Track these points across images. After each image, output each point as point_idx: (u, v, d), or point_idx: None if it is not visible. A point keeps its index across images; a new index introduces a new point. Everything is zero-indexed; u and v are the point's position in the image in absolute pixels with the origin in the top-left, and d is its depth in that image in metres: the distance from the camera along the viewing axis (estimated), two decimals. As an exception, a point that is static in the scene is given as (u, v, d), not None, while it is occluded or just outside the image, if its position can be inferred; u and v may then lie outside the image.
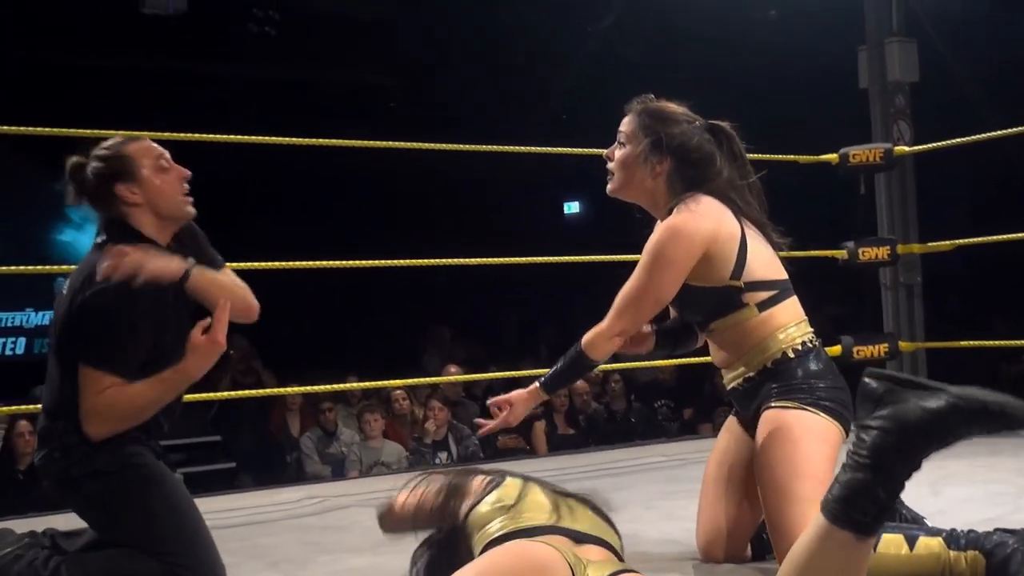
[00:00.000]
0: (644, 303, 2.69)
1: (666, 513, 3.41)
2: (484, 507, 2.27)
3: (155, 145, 2.78)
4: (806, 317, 2.73)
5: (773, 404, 2.60)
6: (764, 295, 2.66)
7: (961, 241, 5.64)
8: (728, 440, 2.83)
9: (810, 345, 2.66)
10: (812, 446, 2.52)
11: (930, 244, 5.78)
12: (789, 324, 2.67)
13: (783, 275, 2.72)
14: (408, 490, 2.44)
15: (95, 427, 2.58)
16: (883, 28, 6.18)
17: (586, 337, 2.75)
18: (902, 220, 6.00)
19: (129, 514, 2.60)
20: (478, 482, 2.38)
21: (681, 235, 2.62)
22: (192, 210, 2.78)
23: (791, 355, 2.63)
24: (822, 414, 2.56)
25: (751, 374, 2.67)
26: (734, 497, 2.75)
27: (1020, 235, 5.65)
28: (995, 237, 5.77)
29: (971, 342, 6.21)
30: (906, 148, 5.73)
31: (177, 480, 2.76)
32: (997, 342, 6.48)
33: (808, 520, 2.16)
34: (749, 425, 2.72)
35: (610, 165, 2.81)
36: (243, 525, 3.63)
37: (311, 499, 4.10)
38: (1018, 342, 6.87)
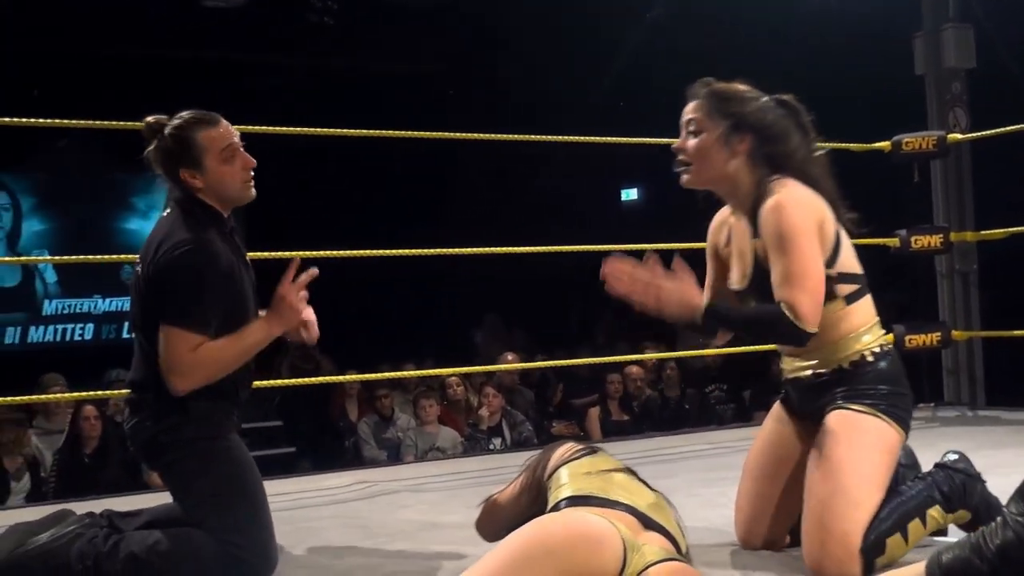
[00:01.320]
0: (808, 280, 2.51)
1: (707, 500, 3.45)
2: (567, 469, 2.33)
3: (226, 132, 2.85)
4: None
5: (843, 405, 2.59)
6: (851, 288, 2.64)
7: (1016, 229, 5.58)
8: (774, 429, 2.82)
9: (886, 349, 2.65)
10: (876, 454, 2.52)
11: (984, 232, 5.74)
12: (870, 324, 2.66)
13: (862, 269, 2.70)
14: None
15: (179, 382, 2.69)
16: (939, 14, 6.12)
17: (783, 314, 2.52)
18: (957, 208, 5.94)
19: (201, 486, 2.73)
20: (566, 448, 2.44)
21: (799, 204, 2.54)
22: (253, 193, 2.90)
23: (869, 358, 2.61)
24: (890, 421, 2.56)
25: (824, 371, 2.64)
26: (776, 485, 2.75)
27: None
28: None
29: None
30: (959, 135, 5.69)
31: (250, 461, 2.87)
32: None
33: (854, 521, 2.38)
34: (805, 417, 2.71)
35: (682, 156, 2.71)
36: (291, 509, 3.72)
37: (361, 484, 4.18)
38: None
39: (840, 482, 2.48)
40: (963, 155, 5.99)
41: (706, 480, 3.85)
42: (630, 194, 14.08)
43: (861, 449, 2.52)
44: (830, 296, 2.59)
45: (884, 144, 5.48)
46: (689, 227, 6.33)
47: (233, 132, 2.87)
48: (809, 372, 2.67)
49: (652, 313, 2.60)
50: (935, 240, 5.45)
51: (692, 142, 2.68)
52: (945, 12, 6.10)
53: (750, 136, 2.63)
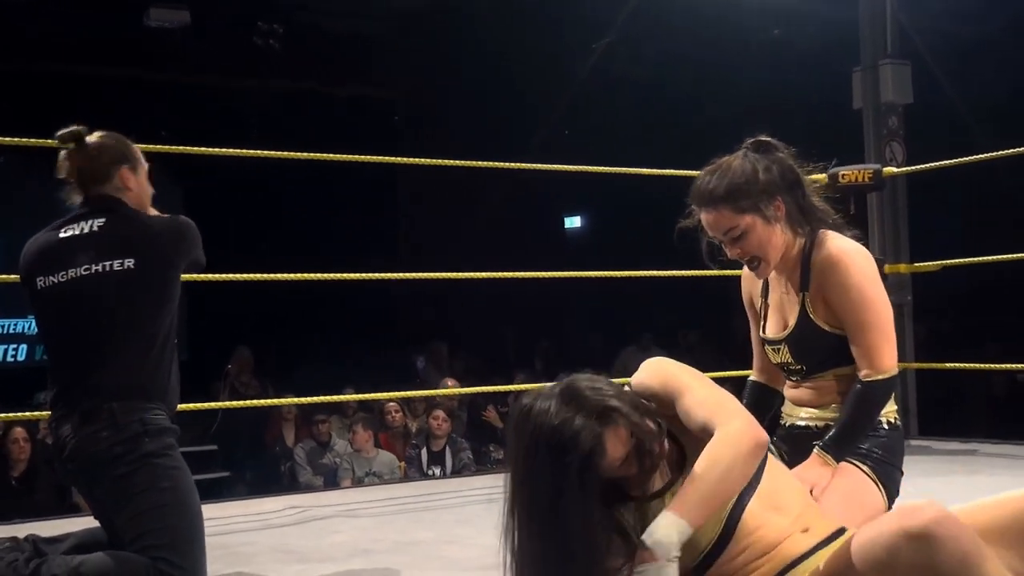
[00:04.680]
0: (885, 325, 2.53)
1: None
2: None
3: None
4: None
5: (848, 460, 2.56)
6: None
7: (949, 262, 5.70)
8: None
9: (897, 422, 2.64)
10: (861, 511, 2.45)
11: (918, 264, 5.83)
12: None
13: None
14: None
15: None
16: (877, 50, 6.22)
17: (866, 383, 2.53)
18: (892, 240, 6.03)
19: (145, 501, 2.67)
20: None
21: (859, 252, 2.57)
22: None
23: (885, 426, 2.60)
24: (881, 489, 2.54)
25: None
26: None
27: (1007, 256, 5.71)
28: (983, 258, 5.82)
29: (959, 364, 6.27)
30: (895, 169, 5.78)
31: (192, 482, 2.83)
32: (986, 365, 6.52)
33: None
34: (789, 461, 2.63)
35: (746, 259, 2.63)
36: (223, 533, 3.67)
37: (294, 509, 4.14)
38: (1008, 365, 6.92)
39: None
40: (899, 188, 6.09)
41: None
42: (573, 221, 14.16)
43: (842, 496, 2.47)
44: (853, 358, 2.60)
45: (821, 176, 5.51)
46: (630, 254, 6.42)
47: None
48: (822, 423, 2.64)
49: None
50: (870, 272, 5.52)
51: (746, 244, 2.60)
52: (883, 48, 6.20)
53: (779, 199, 2.58)
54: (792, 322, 2.65)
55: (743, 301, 2.86)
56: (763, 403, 2.83)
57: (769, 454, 2.12)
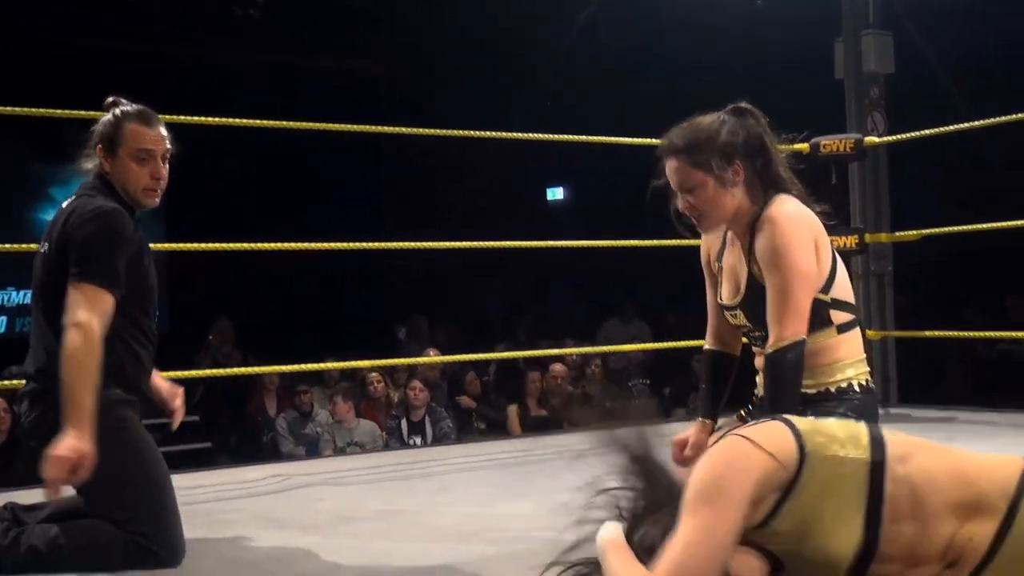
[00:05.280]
0: (793, 291, 2.54)
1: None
2: None
3: (151, 136, 2.89)
4: None
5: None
6: (845, 317, 2.65)
7: (929, 231, 5.72)
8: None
9: (869, 385, 2.66)
10: None
11: (898, 234, 5.85)
12: (859, 357, 2.67)
13: (854, 300, 2.70)
14: None
15: (76, 335, 2.61)
16: (859, 20, 6.21)
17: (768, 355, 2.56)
18: (873, 209, 6.04)
19: (105, 476, 2.65)
20: None
21: (793, 216, 2.56)
22: (153, 203, 2.92)
23: (856, 389, 2.63)
24: None
25: (810, 391, 2.62)
26: None
27: (988, 225, 5.74)
28: (963, 227, 5.85)
29: (939, 332, 6.31)
30: (876, 139, 5.79)
31: (156, 452, 2.85)
32: (965, 333, 6.56)
33: None
34: None
35: (691, 213, 2.68)
36: (205, 502, 3.67)
37: (277, 477, 4.15)
38: (987, 333, 6.96)
39: None
40: (880, 158, 6.10)
41: (622, 474, 3.86)
42: (556, 193, 14.14)
43: None
44: (825, 322, 2.61)
45: (803, 146, 5.54)
46: (612, 225, 6.41)
47: (161, 141, 2.90)
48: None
49: None
50: (851, 241, 5.54)
51: (692, 200, 2.65)
52: (865, 18, 6.19)
53: (738, 163, 2.62)
54: (743, 286, 2.68)
55: (701, 261, 2.88)
56: (719, 371, 2.87)
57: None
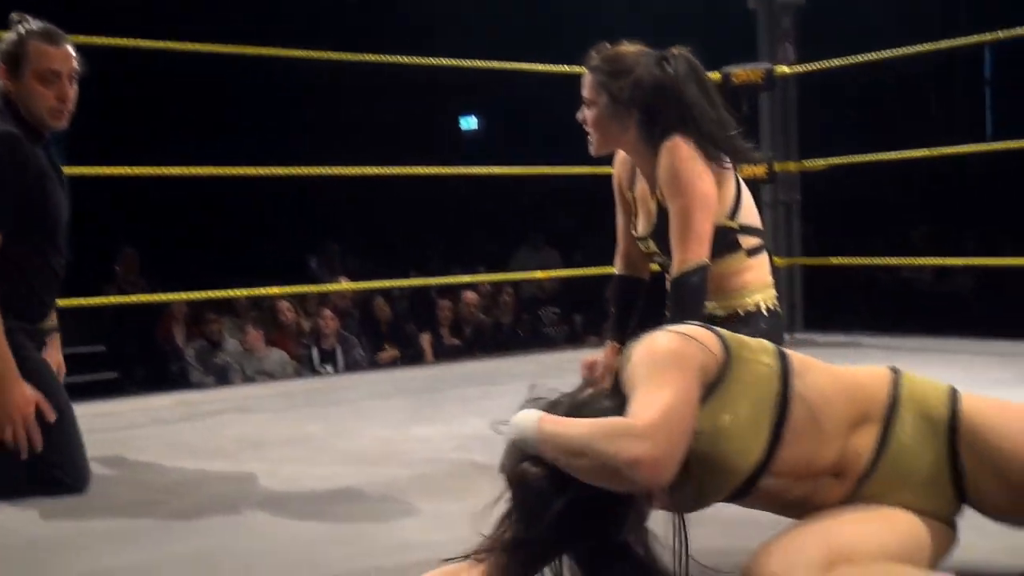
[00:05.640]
0: (692, 215, 2.56)
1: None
2: None
3: (58, 55, 2.78)
4: None
5: None
6: (753, 242, 2.69)
7: (836, 160, 5.82)
8: None
9: (776, 310, 2.71)
10: None
11: (806, 163, 5.93)
12: (767, 281, 2.71)
13: (761, 225, 2.74)
14: None
15: None
16: (772, -51, 6.22)
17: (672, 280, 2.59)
18: (783, 139, 6.10)
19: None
20: None
21: (682, 147, 2.57)
22: (61, 124, 2.82)
23: (764, 312, 2.67)
24: None
25: (720, 314, 2.66)
26: None
27: (894, 154, 5.85)
28: (870, 156, 5.95)
29: (844, 259, 6.45)
30: (787, 69, 5.83)
31: (55, 378, 2.81)
32: (869, 260, 6.69)
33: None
34: None
35: (584, 127, 2.73)
36: (112, 429, 3.63)
37: (184, 405, 4.11)
38: (890, 259, 7.12)
39: None
40: (790, 88, 6.14)
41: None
42: (469, 122, 14.07)
43: None
44: (733, 246, 2.65)
45: (714, 75, 5.56)
46: (526, 154, 6.40)
47: (67, 60, 2.80)
48: (705, 312, 2.68)
49: None
50: (760, 170, 5.59)
51: (589, 116, 2.69)
52: (778, -53, 6.20)
53: (635, 110, 2.63)
54: (654, 217, 2.72)
55: (613, 185, 2.90)
56: (629, 295, 2.91)
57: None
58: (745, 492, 1.74)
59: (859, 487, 1.75)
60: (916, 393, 1.80)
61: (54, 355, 3.00)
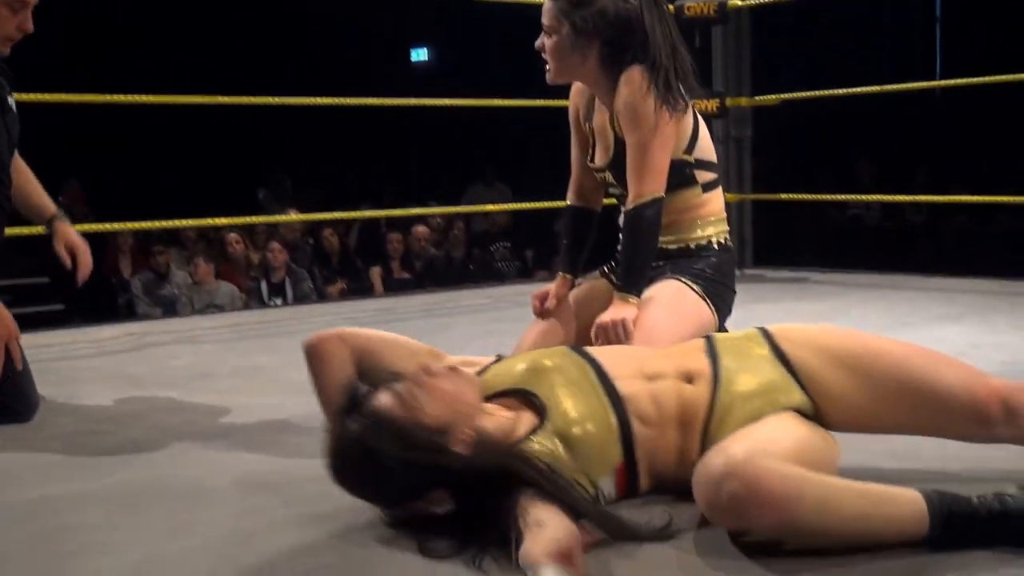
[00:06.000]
0: (649, 148, 2.57)
1: (480, 350, 3.49)
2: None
3: None
4: None
5: (672, 275, 2.64)
6: (709, 176, 2.69)
7: (787, 95, 5.82)
8: (585, 287, 2.85)
9: (728, 244, 2.73)
10: (686, 324, 2.54)
11: (758, 98, 5.92)
12: (720, 216, 2.72)
13: (716, 159, 2.75)
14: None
15: None
16: None
17: (627, 211, 2.60)
18: (735, 74, 6.09)
19: None
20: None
21: (641, 80, 2.55)
22: (3, 52, 2.74)
23: (715, 246, 2.69)
24: (710, 304, 2.63)
25: (672, 247, 2.68)
26: (569, 332, 2.77)
27: (845, 90, 5.86)
28: (821, 92, 5.95)
29: (793, 195, 6.48)
30: (739, 2, 5.80)
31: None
32: (818, 196, 6.73)
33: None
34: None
35: (543, 55, 2.70)
36: (57, 359, 3.59)
37: (130, 336, 4.07)
38: (840, 196, 7.17)
39: (641, 338, 2.49)
40: (743, 22, 6.12)
41: (485, 332, 3.90)
42: (420, 54, 13.92)
43: (672, 312, 2.56)
44: (689, 180, 2.66)
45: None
46: (477, 87, 6.34)
47: None
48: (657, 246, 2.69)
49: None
50: (712, 105, 5.59)
51: (547, 43, 2.67)
52: None
53: (596, 40, 2.61)
54: (611, 148, 2.71)
55: (569, 116, 2.87)
56: (581, 226, 2.89)
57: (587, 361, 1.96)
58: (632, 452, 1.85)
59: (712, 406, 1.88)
60: (727, 336, 2.05)
61: (67, 237, 2.95)
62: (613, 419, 1.84)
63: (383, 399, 1.75)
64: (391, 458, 1.68)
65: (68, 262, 2.93)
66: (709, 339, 2.02)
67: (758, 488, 1.54)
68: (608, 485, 1.83)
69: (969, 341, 3.48)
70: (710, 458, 1.63)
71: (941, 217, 9.47)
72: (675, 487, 1.86)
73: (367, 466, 1.71)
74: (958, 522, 1.58)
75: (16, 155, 2.91)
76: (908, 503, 1.59)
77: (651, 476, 1.89)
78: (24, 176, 2.95)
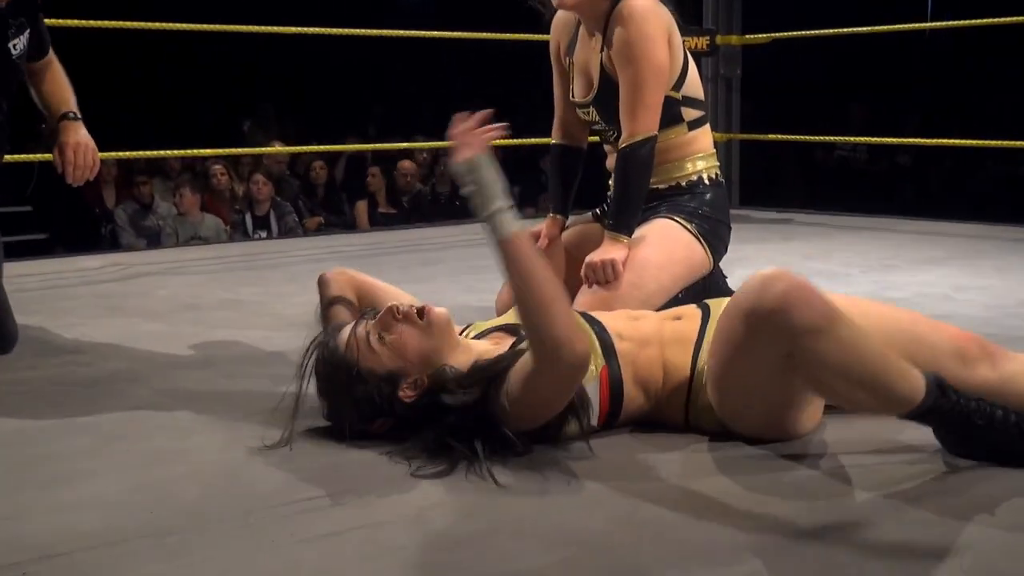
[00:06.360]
0: (645, 85, 2.55)
1: (468, 286, 3.50)
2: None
3: None
4: None
5: (665, 215, 2.63)
6: (696, 114, 2.68)
7: (778, 35, 5.78)
8: (577, 228, 2.84)
9: (719, 179, 2.71)
10: (679, 266, 2.57)
11: (748, 36, 5.88)
12: (708, 152, 2.71)
13: (703, 97, 2.73)
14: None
15: None
16: None
17: (621, 149, 2.58)
18: (726, 11, 6.04)
19: None
20: None
21: (649, 10, 2.54)
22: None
23: (706, 181, 2.67)
24: (703, 242, 2.63)
25: (662, 186, 2.67)
26: (558, 272, 2.71)
27: (835, 31, 5.82)
28: (812, 31, 5.91)
29: (781, 136, 6.46)
30: (732, -62, 5.75)
31: None
32: (806, 137, 6.71)
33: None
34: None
35: None
36: (41, 289, 3.57)
37: (115, 267, 4.05)
38: (827, 137, 7.15)
39: (631, 277, 2.51)
40: (734, -41, 6.06)
41: (470, 268, 3.89)
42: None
43: (663, 252, 2.56)
44: (676, 119, 2.64)
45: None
46: (468, 21, 6.28)
47: None
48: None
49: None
50: (702, 42, 5.55)
51: None
52: None
53: None
54: (596, 83, 2.68)
55: (550, 52, 2.84)
56: (568, 165, 2.88)
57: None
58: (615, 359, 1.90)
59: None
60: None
61: (72, 136, 2.95)
62: (592, 333, 1.90)
63: (343, 339, 1.88)
64: (345, 390, 1.86)
65: (59, 166, 2.85)
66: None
67: (807, 287, 1.67)
68: (593, 392, 1.85)
69: (953, 284, 3.50)
70: (755, 275, 1.72)
71: (929, 161, 9.47)
72: (668, 414, 1.92)
73: (328, 389, 1.90)
74: (943, 414, 1.69)
75: (53, 58, 2.92)
76: (914, 378, 1.68)
77: (638, 386, 1.92)
78: (51, 84, 2.95)
